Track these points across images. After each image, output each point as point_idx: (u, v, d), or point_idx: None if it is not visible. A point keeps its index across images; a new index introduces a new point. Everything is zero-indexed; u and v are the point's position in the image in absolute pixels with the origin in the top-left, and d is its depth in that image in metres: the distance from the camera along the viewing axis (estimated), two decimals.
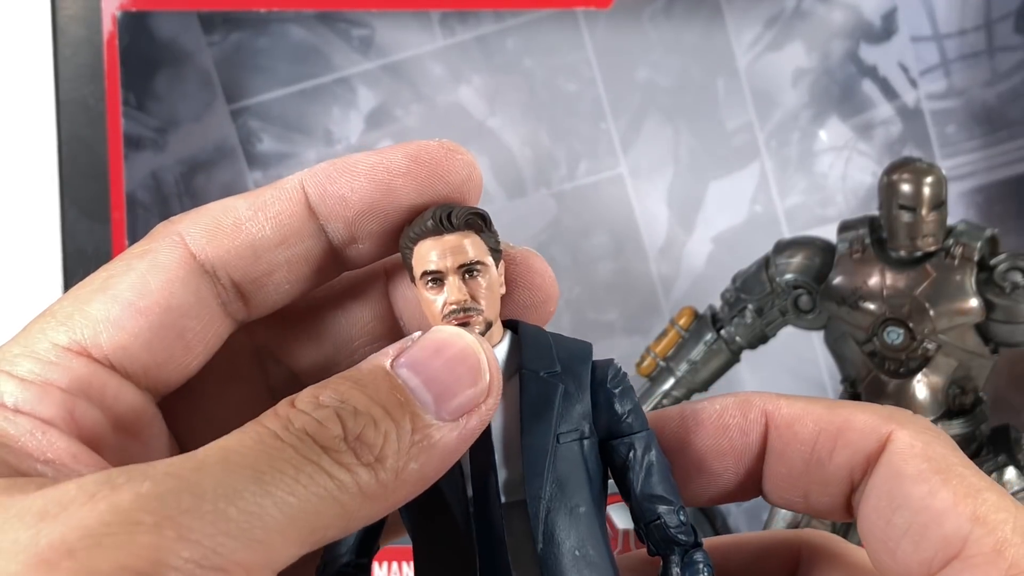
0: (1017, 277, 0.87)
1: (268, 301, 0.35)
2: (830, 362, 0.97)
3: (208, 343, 0.34)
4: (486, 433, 0.33)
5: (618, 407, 0.34)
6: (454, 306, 0.33)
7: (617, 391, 0.35)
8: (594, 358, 0.35)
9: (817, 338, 0.97)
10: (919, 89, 1.06)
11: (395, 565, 1.04)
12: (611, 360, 0.35)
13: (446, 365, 0.30)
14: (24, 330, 0.32)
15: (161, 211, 1.06)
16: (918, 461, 0.32)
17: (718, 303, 0.98)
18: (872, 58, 1.06)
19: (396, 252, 0.35)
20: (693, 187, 1.08)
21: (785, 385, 1.04)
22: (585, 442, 0.34)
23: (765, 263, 0.94)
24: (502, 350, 0.34)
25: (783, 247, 0.94)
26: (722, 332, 0.96)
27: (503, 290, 0.35)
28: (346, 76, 1.07)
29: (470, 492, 0.33)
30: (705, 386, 0.98)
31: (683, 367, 0.97)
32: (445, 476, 0.32)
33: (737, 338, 0.96)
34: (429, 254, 0.33)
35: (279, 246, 0.34)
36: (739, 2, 1.05)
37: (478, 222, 0.34)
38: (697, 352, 0.97)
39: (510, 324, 0.35)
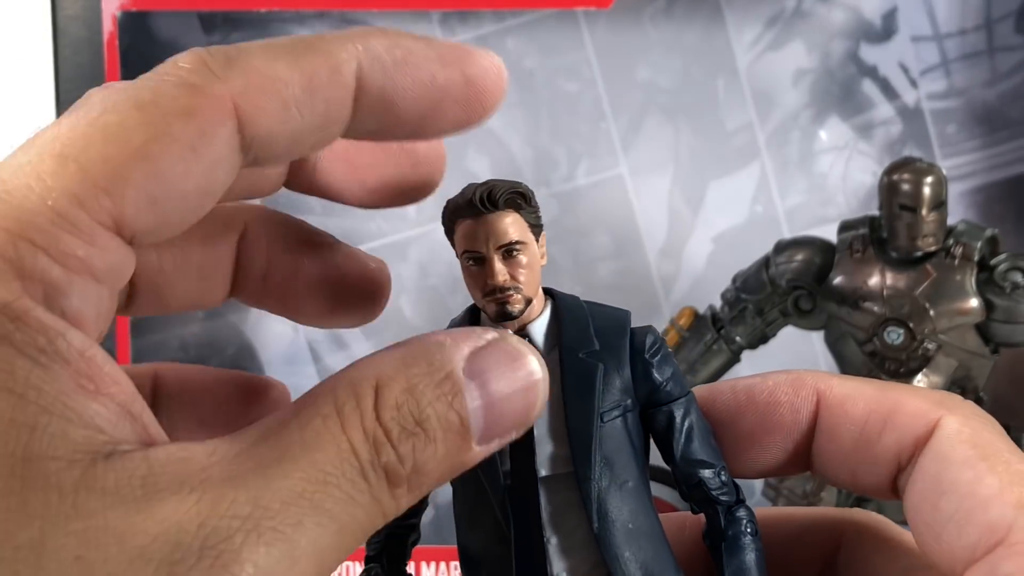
0: (1017, 277, 0.87)
1: (262, 166, 0.32)
2: (830, 362, 0.97)
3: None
4: None
5: (657, 376, 0.35)
6: (494, 287, 0.34)
7: (655, 360, 0.35)
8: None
9: (817, 338, 0.97)
10: (919, 89, 1.06)
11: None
12: (649, 327, 0.36)
13: (510, 397, 0.29)
14: (40, 175, 0.26)
15: None
16: (966, 447, 0.32)
17: (718, 303, 0.98)
18: (872, 58, 1.06)
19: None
20: (693, 187, 1.08)
21: None
22: (628, 415, 0.35)
23: (765, 263, 0.94)
24: (542, 324, 0.35)
25: (783, 247, 0.94)
26: (722, 332, 0.96)
27: (544, 261, 0.36)
28: None
29: (507, 466, 0.34)
30: None
31: (683, 367, 0.97)
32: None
33: (737, 338, 0.96)
34: (470, 234, 0.34)
35: (315, 131, 0.30)
36: (739, 2, 1.05)
37: (518, 200, 0.35)
38: (697, 352, 0.97)
39: (546, 291, 0.36)
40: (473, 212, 0.34)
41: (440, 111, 0.32)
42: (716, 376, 0.98)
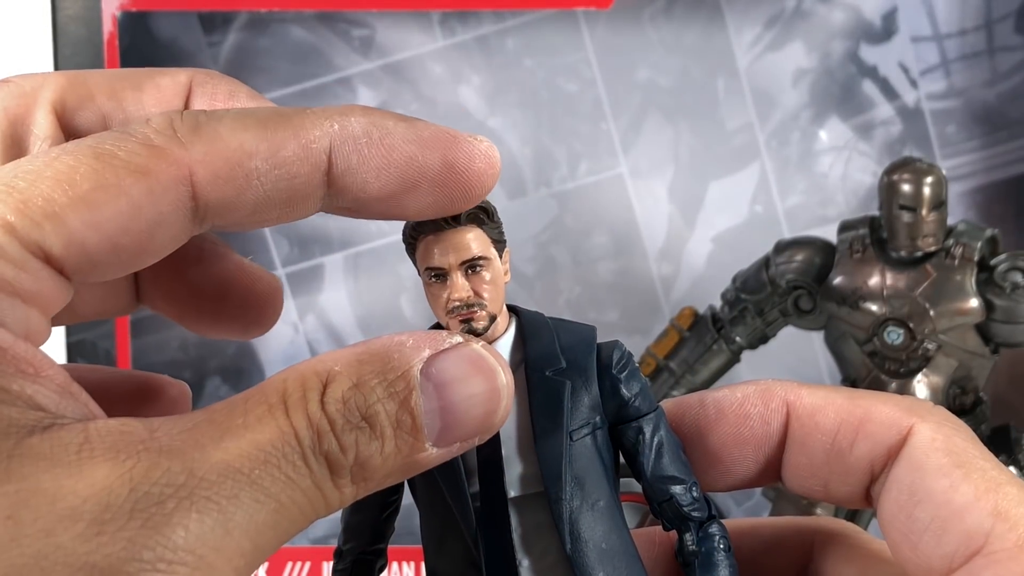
0: (1017, 277, 0.87)
1: (235, 230, 0.33)
2: (830, 362, 0.97)
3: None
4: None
5: (625, 392, 0.35)
6: (457, 303, 0.33)
7: (623, 375, 0.35)
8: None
9: (817, 338, 0.97)
10: (919, 89, 1.06)
11: (394, 565, 1.04)
12: (616, 342, 0.35)
13: (469, 400, 0.29)
14: None
15: None
16: (939, 455, 0.32)
17: (718, 303, 0.98)
18: (872, 58, 1.06)
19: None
20: (693, 187, 1.08)
21: None
22: (598, 432, 0.34)
23: (765, 263, 0.94)
24: (507, 342, 0.35)
25: (783, 247, 0.94)
26: (722, 332, 0.96)
27: (508, 278, 0.35)
28: (346, 76, 1.07)
29: (476, 487, 0.33)
30: (705, 386, 0.98)
31: (683, 367, 0.97)
32: (446, 475, 0.33)
33: (737, 338, 0.96)
34: (432, 250, 0.33)
35: (281, 204, 0.31)
36: (739, 2, 1.05)
37: (481, 216, 0.34)
38: (697, 352, 0.97)
39: (510, 308, 0.35)
40: (435, 227, 0.33)
41: (416, 194, 0.32)
42: (716, 376, 0.98)
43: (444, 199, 0.32)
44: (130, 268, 0.30)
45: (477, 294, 0.33)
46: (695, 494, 0.34)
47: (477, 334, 0.33)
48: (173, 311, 0.39)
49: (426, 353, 0.29)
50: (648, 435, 0.34)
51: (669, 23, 1.05)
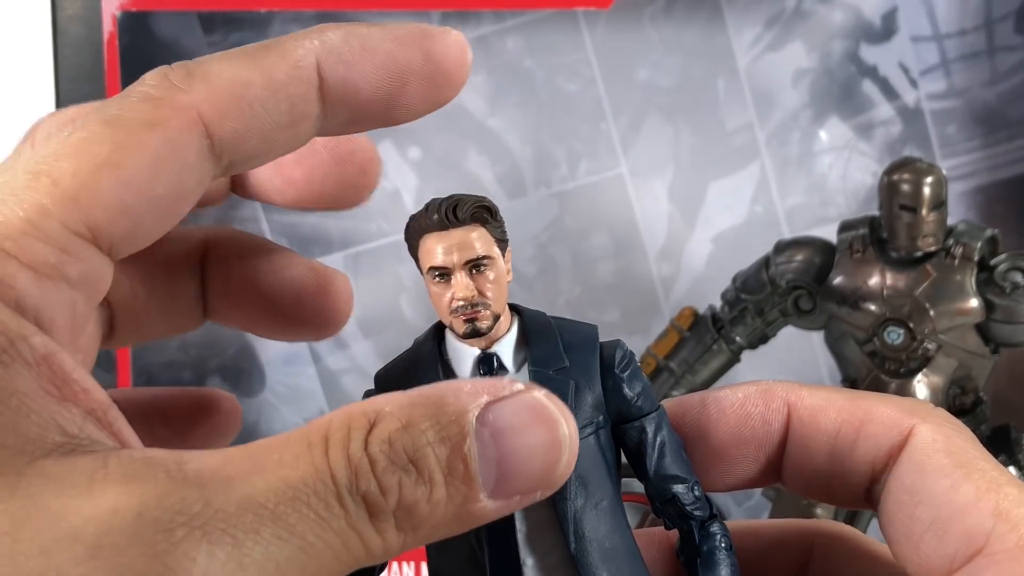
0: (1017, 277, 0.87)
1: (243, 169, 0.33)
2: (830, 362, 0.97)
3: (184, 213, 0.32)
4: None
5: (627, 391, 0.35)
6: (461, 302, 0.33)
7: (625, 375, 0.35)
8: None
9: (817, 338, 0.97)
10: (919, 89, 1.06)
11: (395, 565, 1.04)
12: (618, 341, 0.35)
13: (529, 449, 0.28)
14: (14, 190, 0.28)
15: None
16: (940, 456, 0.32)
17: (718, 303, 0.98)
18: (872, 58, 1.06)
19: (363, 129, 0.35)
20: (693, 187, 1.08)
21: None
22: (600, 432, 0.34)
23: (765, 263, 0.94)
24: (510, 341, 0.35)
25: (783, 247, 0.94)
26: (722, 332, 0.96)
27: (510, 277, 0.35)
28: None
29: None
30: (705, 387, 0.98)
31: (683, 367, 0.97)
32: None
33: (737, 338, 0.96)
34: (435, 249, 0.33)
35: (284, 129, 0.31)
36: (739, 2, 1.05)
37: (484, 215, 0.34)
38: (697, 352, 0.97)
39: (512, 307, 0.35)
40: (438, 227, 0.33)
41: (406, 91, 0.33)
42: (716, 376, 0.98)
43: (431, 91, 0.33)
44: (170, 221, 0.30)
45: (481, 293, 0.33)
46: (697, 493, 0.34)
47: (480, 333, 0.34)
48: (246, 321, 0.40)
49: (484, 399, 0.28)
50: (651, 435, 0.34)
51: (669, 23, 1.05)
